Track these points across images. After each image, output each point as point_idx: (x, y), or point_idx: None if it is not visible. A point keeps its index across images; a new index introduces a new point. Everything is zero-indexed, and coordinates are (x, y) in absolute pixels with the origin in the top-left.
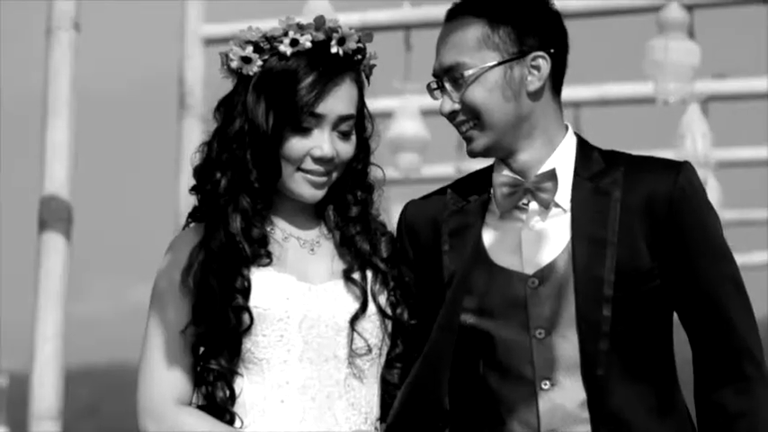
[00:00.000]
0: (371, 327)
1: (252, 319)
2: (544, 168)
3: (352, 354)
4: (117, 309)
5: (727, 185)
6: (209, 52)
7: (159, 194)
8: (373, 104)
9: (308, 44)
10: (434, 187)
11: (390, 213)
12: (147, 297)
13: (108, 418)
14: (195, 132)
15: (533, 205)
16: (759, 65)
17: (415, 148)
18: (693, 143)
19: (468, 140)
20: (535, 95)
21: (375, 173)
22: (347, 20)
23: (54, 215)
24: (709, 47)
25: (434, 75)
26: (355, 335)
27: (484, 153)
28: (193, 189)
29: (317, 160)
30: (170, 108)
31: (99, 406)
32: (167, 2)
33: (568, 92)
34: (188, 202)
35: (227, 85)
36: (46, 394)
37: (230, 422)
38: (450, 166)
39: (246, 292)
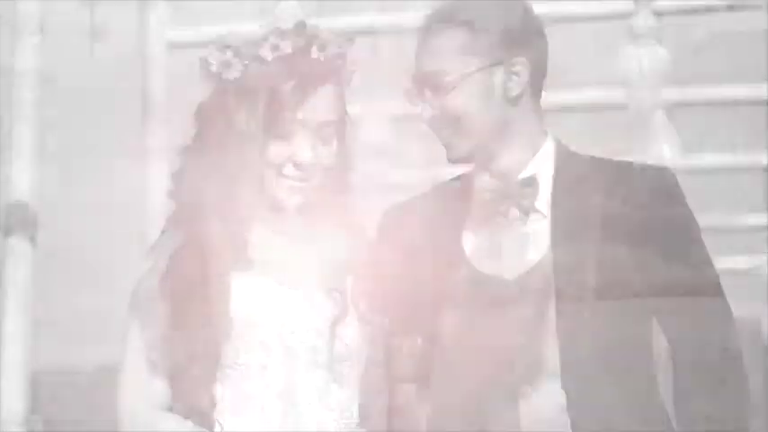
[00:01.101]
0: (352, 331)
1: (232, 324)
2: (525, 174)
3: (333, 359)
4: (66, 314)
5: (695, 191)
6: (174, 56)
7: (123, 198)
8: None
9: (289, 49)
10: (401, 193)
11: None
12: (96, 302)
13: (63, 423)
14: (158, 136)
15: (514, 211)
16: (726, 72)
17: (382, 154)
18: (660, 150)
19: (449, 147)
20: (515, 101)
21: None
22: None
23: (19, 220)
24: (675, 54)
25: (414, 81)
26: (335, 340)
27: (465, 159)
28: (172, 194)
29: (298, 166)
30: (134, 112)
31: (54, 411)
32: (131, 5)
33: None
34: (155, 205)
35: (191, 91)
36: (12, 399)
37: (210, 428)
38: (418, 172)
39: (226, 297)
